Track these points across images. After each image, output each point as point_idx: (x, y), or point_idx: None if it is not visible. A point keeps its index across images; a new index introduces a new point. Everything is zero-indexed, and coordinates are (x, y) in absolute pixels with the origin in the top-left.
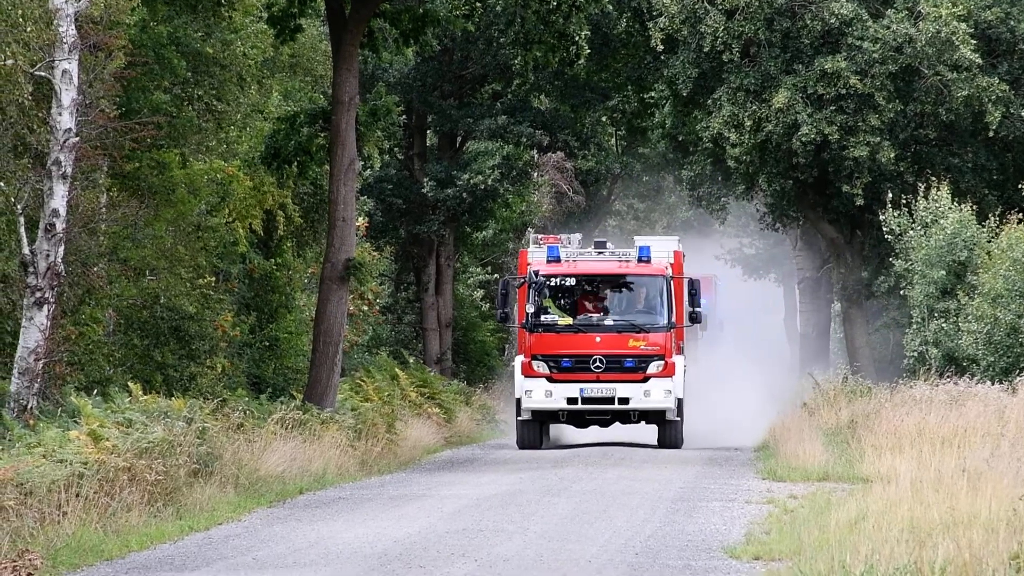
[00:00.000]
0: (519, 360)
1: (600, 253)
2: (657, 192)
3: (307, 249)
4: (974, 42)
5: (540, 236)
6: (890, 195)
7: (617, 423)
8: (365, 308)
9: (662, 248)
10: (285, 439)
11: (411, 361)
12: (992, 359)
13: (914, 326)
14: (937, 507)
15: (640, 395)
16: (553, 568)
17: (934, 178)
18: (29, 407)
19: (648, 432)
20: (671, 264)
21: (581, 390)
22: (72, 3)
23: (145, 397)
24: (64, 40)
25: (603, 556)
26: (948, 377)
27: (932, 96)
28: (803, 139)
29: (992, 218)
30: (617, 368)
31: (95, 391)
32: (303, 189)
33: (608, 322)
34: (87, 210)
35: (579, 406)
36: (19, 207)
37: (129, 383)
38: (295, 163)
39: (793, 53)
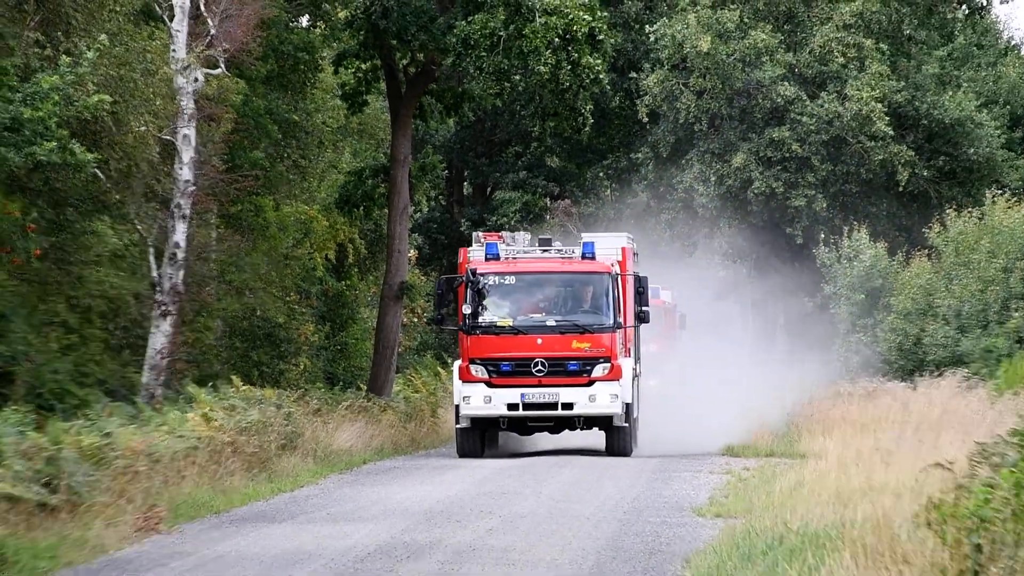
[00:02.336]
0: (457, 364)
1: (545, 251)
2: (641, 231)
3: (369, 274)
4: (887, 118)
5: (481, 233)
6: (822, 235)
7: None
8: (415, 320)
9: (610, 244)
10: (352, 421)
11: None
12: (901, 363)
13: (840, 337)
14: (857, 478)
15: (585, 400)
16: (560, 522)
17: (856, 223)
18: (156, 395)
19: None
20: (618, 261)
21: (522, 395)
22: (191, 83)
23: (244, 388)
24: (185, 111)
25: (599, 513)
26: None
27: (855, 159)
28: (755, 191)
29: (900, 254)
30: (560, 372)
31: (207, 383)
32: (367, 227)
33: (550, 323)
34: (201, 243)
35: (520, 412)
36: (150, 240)
37: (232, 377)
38: (362, 207)
39: (748, 125)
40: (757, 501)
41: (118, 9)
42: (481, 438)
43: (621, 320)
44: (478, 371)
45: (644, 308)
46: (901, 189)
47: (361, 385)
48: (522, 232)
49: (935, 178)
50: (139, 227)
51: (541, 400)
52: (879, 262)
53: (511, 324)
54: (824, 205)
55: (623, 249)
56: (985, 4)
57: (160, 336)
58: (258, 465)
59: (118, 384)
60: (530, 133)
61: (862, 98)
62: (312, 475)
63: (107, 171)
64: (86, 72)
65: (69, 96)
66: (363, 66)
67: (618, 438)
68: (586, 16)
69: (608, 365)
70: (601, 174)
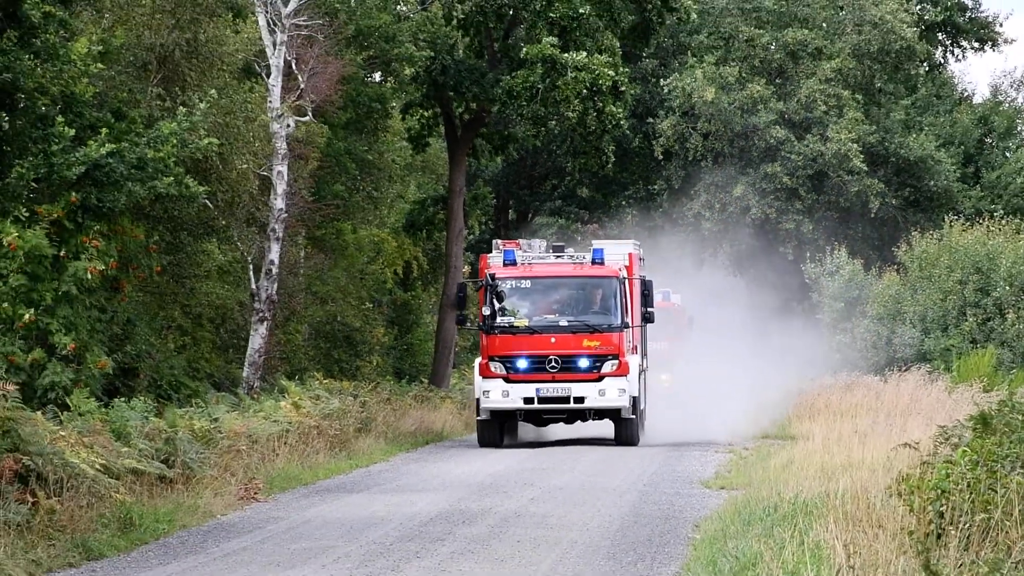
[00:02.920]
0: (477, 361)
1: (558, 257)
2: (657, 250)
3: (431, 286)
4: (862, 155)
5: (500, 241)
6: (808, 254)
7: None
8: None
9: (618, 251)
10: (417, 408)
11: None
12: (875, 360)
13: (824, 338)
14: (838, 456)
15: (595, 394)
16: (590, 493)
17: (836, 243)
18: (255, 387)
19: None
20: (626, 266)
21: (537, 390)
22: (284, 128)
23: (327, 381)
24: (279, 152)
25: (623, 486)
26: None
27: (835, 190)
28: (752, 217)
29: (873, 269)
30: (572, 368)
31: (296, 377)
32: (428, 247)
33: (563, 323)
34: (291, 260)
35: (536, 405)
36: (249, 258)
37: (317, 372)
38: (424, 230)
39: (746, 161)
40: (755, 476)
41: (224, 68)
42: (500, 429)
43: (628, 320)
44: (497, 368)
45: (649, 309)
46: (873, 215)
47: (423, 379)
48: (538, 240)
49: (902, 206)
50: (241, 247)
51: (555, 394)
52: (856, 276)
53: (527, 324)
54: (810, 228)
55: (630, 255)
56: (942, 62)
57: (258, 338)
58: (338, 445)
59: (223, 378)
60: (563, 169)
61: (841, 139)
62: (383, 453)
63: (215, 201)
64: (198, 120)
65: (184, 140)
66: (425, 114)
67: (626, 429)
68: (610, 72)
69: (616, 362)
70: (624, 203)
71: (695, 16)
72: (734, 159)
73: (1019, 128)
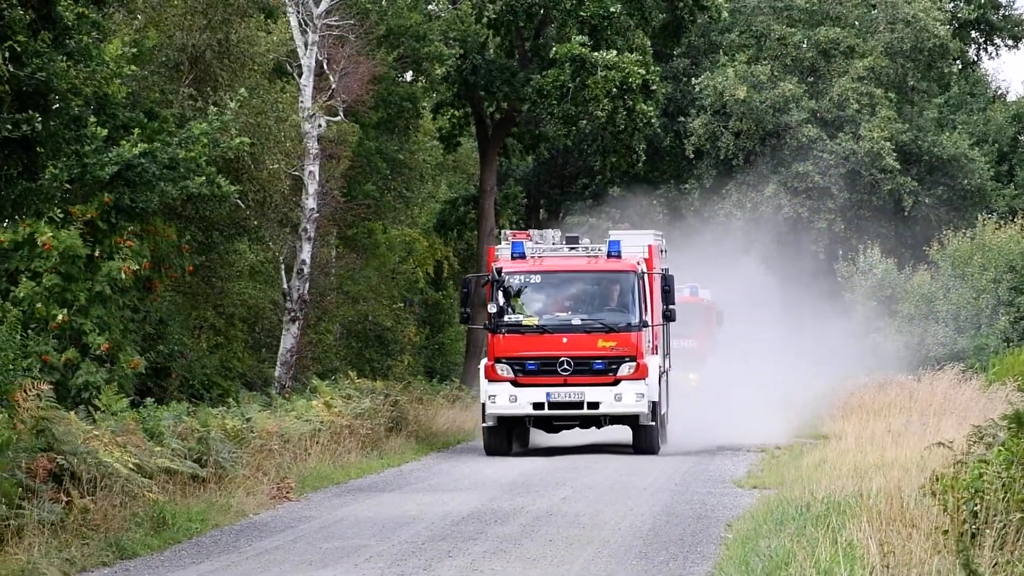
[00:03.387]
0: (483, 363)
1: (572, 249)
2: (690, 248)
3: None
4: (895, 154)
5: (509, 232)
6: (840, 253)
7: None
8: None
9: (636, 243)
10: (448, 408)
11: None
12: (908, 359)
13: (856, 337)
14: (871, 455)
15: (610, 399)
16: (622, 492)
17: (869, 242)
18: (287, 386)
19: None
20: (644, 259)
21: (548, 394)
22: (315, 128)
23: (359, 380)
24: (310, 152)
25: (655, 485)
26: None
27: (868, 189)
28: (784, 216)
29: (907, 268)
30: (586, 371)
31: (328, 376)
32: (460, 247)
33: (576, 322)
34: (323, 260)
35: (546, 411)
36: (281, 258)
37: (349, 371)
38: (455, 230)
39: (778, 160)
40: (787, 475)
41: (256, 68)
42: (508, 436)
43: (647, 319)
44: (504, 370)
45: (671, 306)
46: (906, 214)
47: (455, 378)
48: (551, 231)
49: (935, 204)
50: (272, 247)
51: (566, 399)
52: (889, 275)
53: (536, 323)
54: (842, 227)
55: (649, 247)
56: (975, 60)
57: (289, 337)
58: (370, 444)
59: (255, 377)
60: (594, 168)
61: (873, 138)
62: (415, 453)
63: (246, 201)
64: (230, 120)
65: (216, 140)
66: (456, 113)
67: (645, 436)
68: (640, 70)
69: (634, 364)
70: (654, 202)
71: (726, 15)
72: (766, 158)
73: None
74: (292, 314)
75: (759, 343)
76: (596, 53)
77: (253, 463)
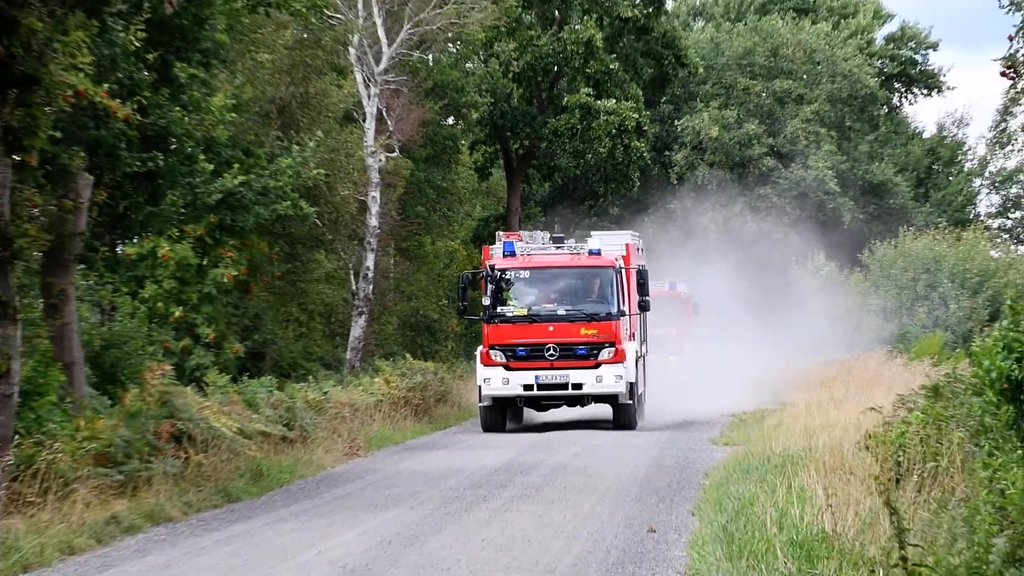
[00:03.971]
0: (479, 350)
1: (558, 247)
2: (675, 256)
3: None
4: (836, 179)
5: (502, 232)
6: (793, 259)
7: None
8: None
9: (616, 242)
10: None
11: None
12: (845, 342)
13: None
14: (818, 418)
15: (592, 381)
16: (622, 449)
17: (816, 250)
18: (355, 366)
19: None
20: (622, 256)
21: (537, 377)
22: (377, 162)
23: (412, 361)
24: (373, 181)
25: (647, 443)
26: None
27: (814, 207)
28: (748, 230)
29: (846, 270)
30: (570, 355)
31: (388, 358)
32: None
33: (561, 312)
34: (383, 267)
35: (535, 392)
36: (350, 265)
37: (404, 354)
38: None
39: (744, 185)
40: (752, 435)
41: (330, 115)
42: (502, 414)
43: (625, 309)
44: (497, 356)
45: (645, 298)
46: (845, 227)
47: None
48: (540, 232)
49: (867, 219)
50: (343, 256)
51: (553, 381)
52: (832, 276)
53: (526, 313)
54: (795, 238)
55: (627, 245)
56: (899, 105)
57: (357, 328)
58: (422, 412)
59: (331, 359)
60: (598, 192)
61: (819, 167)
62: (457, 419)
63: (322, 220)
64: (309, 156)
65: (298, 172)
66: (488, 149)
67: (623, 413)
68: (634, 115)
69: (613, 349)
70: (646, 219)
71: (702, 70)
72: (734, 183)
73: (959, 158)
74: (359, 309)
75: (730, 331)
76: (599, 101)
77: (329, 427)
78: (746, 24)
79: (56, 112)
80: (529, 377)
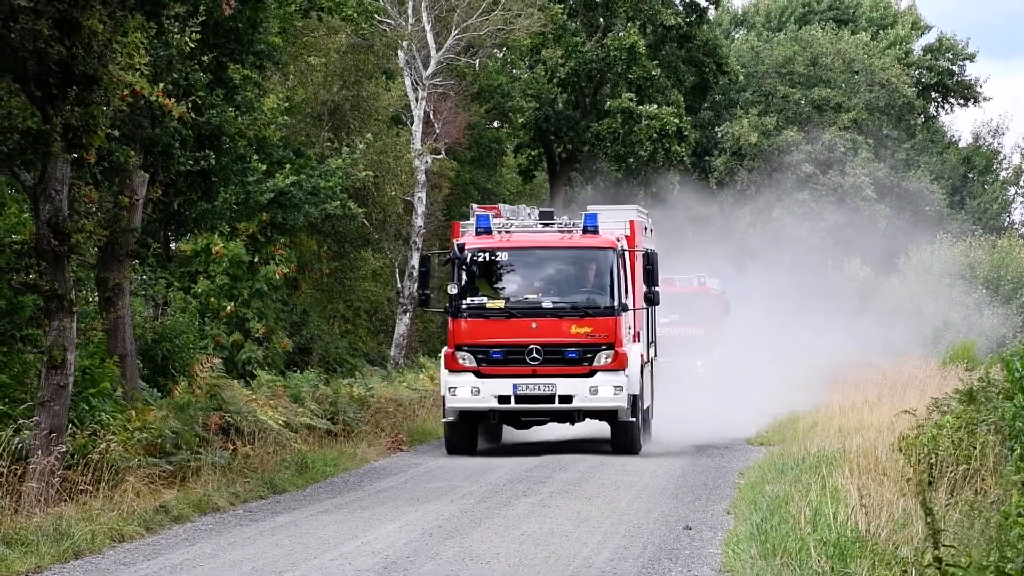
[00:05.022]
0: (443, 352)
1: (547, 226)
2: (713, 259)
3: None
4: (872, 186)
5: (476, 205)
6: (830, 262)
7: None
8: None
9: (618, 218)
10: None
11: None
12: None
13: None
14: (852, 419)
15: (585, 392)
16: (657, 445)
17: (852, 255)
18: (399, 363)
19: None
20: (626, 236)
21: (515, 386)
22: (423, 164)
23: None
24: (419, 182)
25: (683, 442)
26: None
27: (851, 213)
28: (787, 233)
29: (881, 276)
30: (558, 360)
31: (431, 356)
32: None
33: (546, 305)
34: None
35: (512, 405)
36: (396, 264)
37: None
38: None
39: (782, 190)
40: (787, 435)
41: (379, 118)
42: (471, 433)
43: (627, 302)
44: (465, 359)
45: (654, 288)
46: (881, 232)
47: None
48: (526, 207)
49: (903, 226)
50: (389, 255)
51: (536, 392)
52: (867, 280)
53: (502, 306)
54: (832, 243)
55: (631, 223)
56: (935, 115)
57: (402, 325)
58: None
59: (375, 356)
60: (638, 196)
61: (856, 174)
62: None
63: (370, 220)
64: (358, 157)
65: (347, 173)
66: (532, 152)
67: (624, 434)
68: (675, 120)
69: (612, 352)
70: (686, 221)
71: (742, 78)
72: (773, 188)
73: (995, 167)
74: (404, 307)
75: (763, 332)
76: (641, 107)
77: (373, 421)
78: (786, 33)
79: (113, 111)
80: (505, 386)
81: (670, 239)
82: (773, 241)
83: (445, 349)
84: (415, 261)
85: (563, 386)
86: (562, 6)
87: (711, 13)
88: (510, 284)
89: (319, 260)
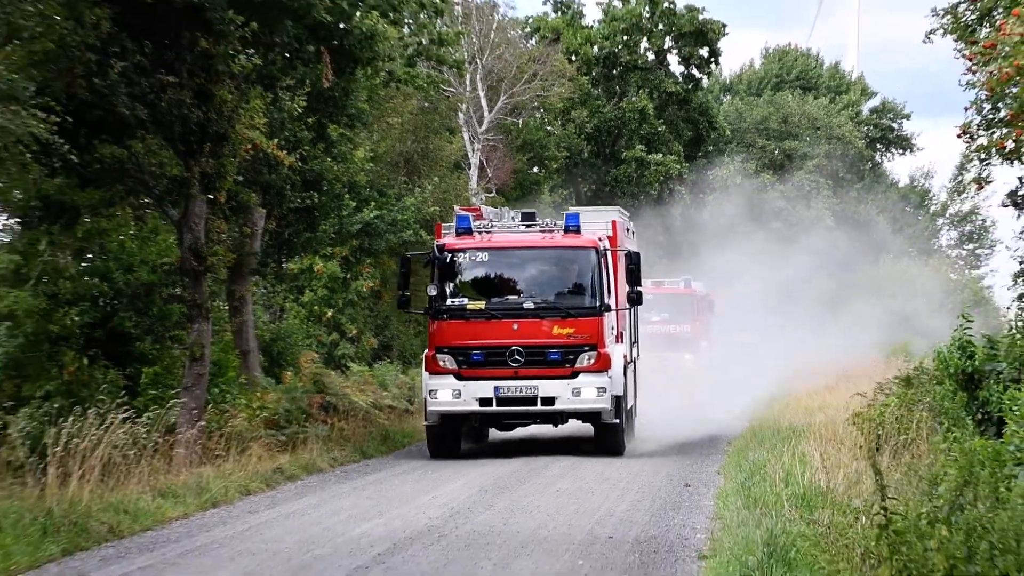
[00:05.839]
0: (425, 354)
1: (529, 227)
2: (705, 272)
3: None
4: (832, 217)
5: (459, 207)
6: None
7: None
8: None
9: (600, 219)
10: None
11: None
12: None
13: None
14: (816, 400)
15: (568, 394)
16: (665, 421)
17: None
18: None
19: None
20: (608, 236)
21: (496, 389)
22: (479, 200)
23: None
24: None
25: (683, 418)
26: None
27: (817, 236)
28: (766, 254)
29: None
30: (540, 362)
31: None
32: None
33: (527, 306)
34: None
35: (494, 408)
36: None
37: None
38: None
39: (760, 222)
40: (765, 413)
41: (443, 165)
42: (455, 435)
43: (610, 302)
44: (446, 361)
45: (637, 288)
46: (840, 255)
47: None
48: (510, 210)
49: (857, 248)
50: None
51: (517, 394)
52: (829, 291)
53: (483, 307)
54: (804, 261)
55: (613, 223)
56: (880, 161)
57: None
58: None
59: None
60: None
61: (818, 207)
62: None
63: None
64: (427, 196)
65: (419, 208)
66: (564, 191)
67: (608, 436)
68: (677, 166)
69: (594, 354)
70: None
71: (729, 132)
72: (753, 220)
73: (926, 202)
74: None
75: (743, 330)
76: (650, 155)
77: None
78: (763, 98)
79: (239, 161)
80: (487, 388)
81: (672, 259)
82: (755, 260)
83: (426, 351)
84: None
85: (545, 388)
86: (587, 77)
87: (704, 82)
88: (491, 285)
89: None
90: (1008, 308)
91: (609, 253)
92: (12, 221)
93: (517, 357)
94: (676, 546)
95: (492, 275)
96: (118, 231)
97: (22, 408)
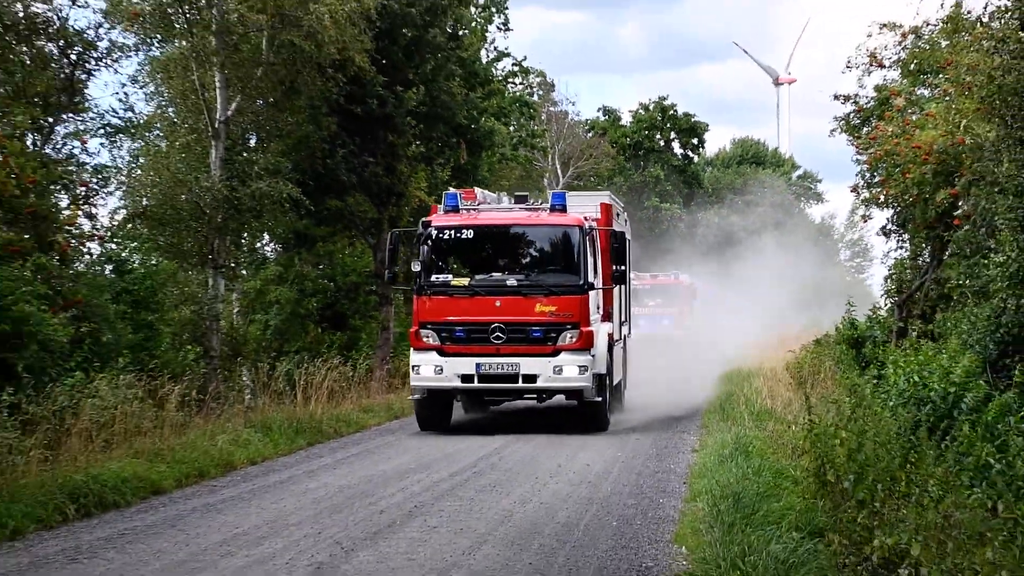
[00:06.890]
0: (411, 330)
1: (520, 207)
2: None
3: None
4: (775, 243)
5: (453, 189)
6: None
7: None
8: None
9: (590, 202)
10: None
11: None
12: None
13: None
14: (767, 356)
15: (549, 372)
16: (662, 386)
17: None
18: None
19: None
20: (596, 218)
21: (478, 366)
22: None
23: None
24: None
25: (675, 378)
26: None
27: (767, 257)
28: (736, 264)
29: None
30: (521, 339)
31: None
32: None
33: (511, 283)
34: None
35: (475, 384)
36: None
37: None
38: None
39: (731, 245)
40: (733, 366)
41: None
42: (444, 408)
43: (594, 281)
44: (429, 337)
45: (621, 267)
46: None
47: None
48: (505, 194)
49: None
50: None
51: (499, 371)
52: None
53: (466, 284)
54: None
55: (603, 205)
56: (803, 208)
57: None
58: None
59: None
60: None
61: (767, 237)
62: None
63: None
64: None
65: None
66: None
67: (591, 413)
68: (677, 210)
69: (577, 332)
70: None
71: (711, 190)
72: (726, 244)
73: (832, 233)
74: None
75: (720, 313)
76: (662, 204)
77: None
78: (732, 168)
79: (410, 210)
80: (468, 365)
81: (670, 262)
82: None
83: (412, 327)
84: None
85: (526, 365)
86: (623, 156)
87: (695, 159)
88: (475, 262)
89: None
90: (880, 298)
91: (596, 232)
92: (278, 246)
93: (499, 334)
94: (680, 444)
95: (477, 252)
96: (339, 251)
97: (283, 358)
